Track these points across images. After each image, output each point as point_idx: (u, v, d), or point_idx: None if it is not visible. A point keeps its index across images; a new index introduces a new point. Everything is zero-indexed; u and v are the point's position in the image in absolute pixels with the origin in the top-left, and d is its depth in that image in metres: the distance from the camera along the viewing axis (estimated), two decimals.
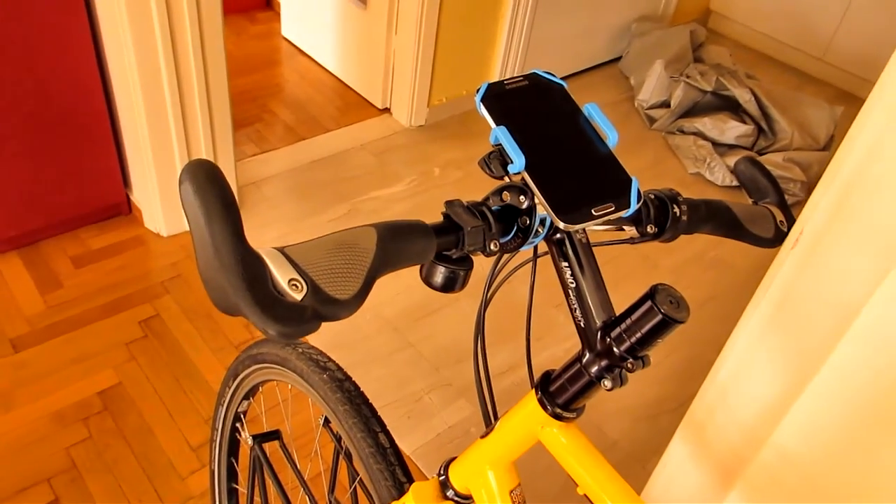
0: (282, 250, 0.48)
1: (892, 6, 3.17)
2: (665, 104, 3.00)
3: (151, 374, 1.77)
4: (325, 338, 1.91)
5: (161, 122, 1.93)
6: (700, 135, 2.84)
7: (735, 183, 2.68)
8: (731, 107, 2.91)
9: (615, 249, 2.31)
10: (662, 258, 2.33)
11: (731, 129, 2.78)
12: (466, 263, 0.59)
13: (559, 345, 1.98)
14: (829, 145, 2.87)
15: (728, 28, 3.81)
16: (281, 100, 2.87)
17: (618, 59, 3.43)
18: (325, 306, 0.47)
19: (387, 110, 2.85)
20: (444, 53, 2.67)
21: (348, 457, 1.07)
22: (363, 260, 0.50)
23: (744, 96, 2.83)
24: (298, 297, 0.46)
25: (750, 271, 2.36)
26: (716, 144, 2.81)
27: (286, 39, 3.28)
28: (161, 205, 2.08)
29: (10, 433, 1.60)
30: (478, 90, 0.61)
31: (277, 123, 2.72)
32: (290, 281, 0.46)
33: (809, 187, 2.73)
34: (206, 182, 0.46)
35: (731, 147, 2.81)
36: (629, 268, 2.27)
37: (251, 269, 0.45)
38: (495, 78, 2.91)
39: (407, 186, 2.47)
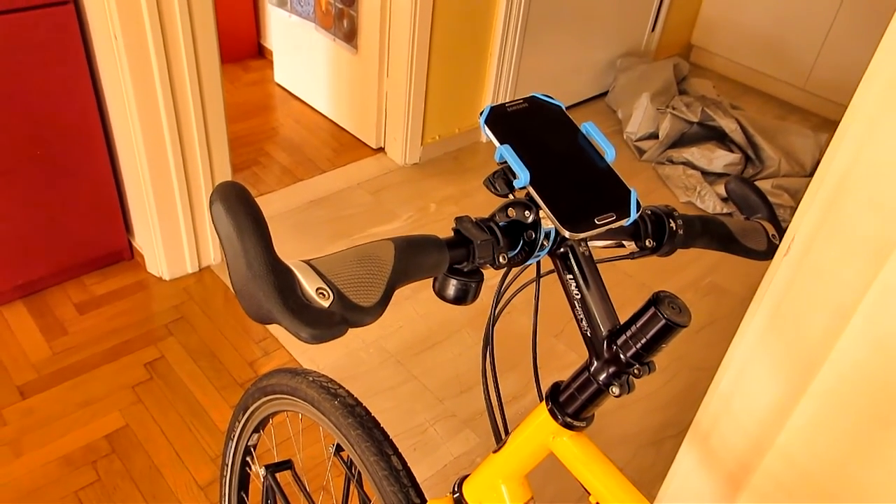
0: (308, 262, 0.51)
1: (868, 35, 3.26)
2: (653, 136, 3.07)
3: (158, 415, 1.78)
4: (328, 371, 1.92)
5: (162, 168, 1.97)
6: (689, 164, 2.90)
7: (726, 210, 2.73)
8: (718, 136, 2.98)
9: (612, 278, 2.34)
10: (659, 285, 2.37)
11: (719, 158, 2.84)
12: (477, 276, 0.62)
13: (559, 373, 2.00)
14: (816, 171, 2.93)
15: (710, 61, 3.91)
16: (277, 143, 2.92)
17: (604, 93, 3.51)
18: (350, 312, 0.50)
19: (381, 150, 2.90)
20: (435, 93, 2.74)
21: (359, 483, 1.08)
22: (383, 271, 0.53)
23: (730, 126, 2.90)
24: (326, 304, 0.49)
25: (745, 296, 2.39)
26: (705, 173, 2.86)
27: (279, 85, 3.35)
28: (163, 249, 2.11)
29: (20, 478, 1.60)
30: (481, 113, 0.65)
31: (274, 166, 2.77)
32: (317, 290, 0.50)
33: None
34: (236, 201, 0.49)
35: (720, 175, 2.86)
36: (627, 296, 2.30)
37: (282, 278, 0.48)
38: None
39: (404, 223, 2.51)
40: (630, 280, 2.38)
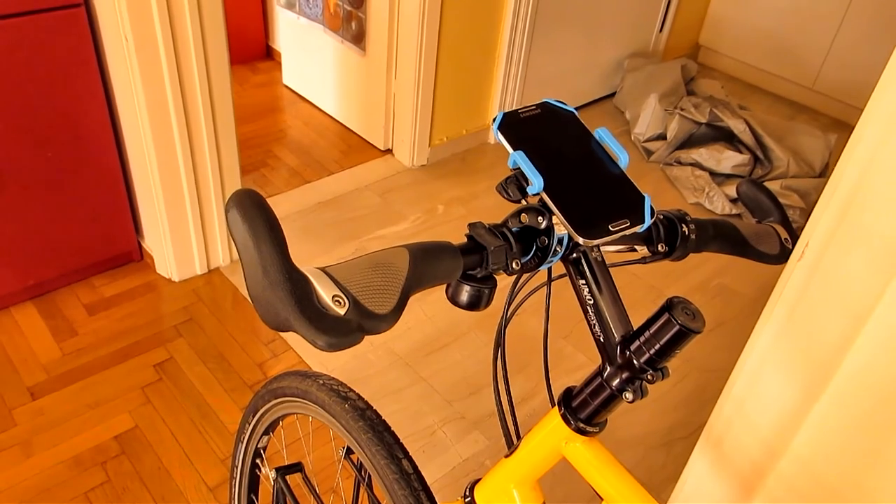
0: (324, 269, 0.51)
1: (878, 35, 3.25)
2: (661, 137, 3.06)
3: (167, 416, 1.78)
4: (336, 373, 1.92)
5: (172, 169, 1.97)
6: (697, 165, 2.89)
7: (735, 211, 2.72)
8: (726, 137, 2.97)
9: (621, 279, 2.33)
10: (668, 287, 2.36)
11: (728, 159, 2.83)
12: (490, 282, 0.62)
13: (569, 375, 2.00)
14: (825, 172, 2.92)
15: (718, 61, 3.90)
16: (285, 145, 2.92)
17: (612, 94, 3.50)
18: (366, 320, 0.50)
19: (389, 151, 2.90)
20: (442, 95, 2.74)
21: (370, 486, 1.08)
22: (398, 278, 0.53)
23: (738, 126, 2.89)
24: (342, 311, 0.49)
25: (754, 297, 2.38)
26: (713, 174, 2.86)
27: (287, 87, 3.36)
28: (172, 250, 2.11)
29: (30, 479, 1.61)
30: (494, 119, 0.65)
31: (282, 168, 2.77)
32: (333, 297, 0.50)
33: (808, 214, 2.77)
34: (253, 208, 0.49)
35: (729, 176, 2.86)
36: (635, 297, 2.29)
37: (298, 286, 0.48)
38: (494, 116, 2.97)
39: (412, 224, 2.51)
40: (639, 282, 2.37)
